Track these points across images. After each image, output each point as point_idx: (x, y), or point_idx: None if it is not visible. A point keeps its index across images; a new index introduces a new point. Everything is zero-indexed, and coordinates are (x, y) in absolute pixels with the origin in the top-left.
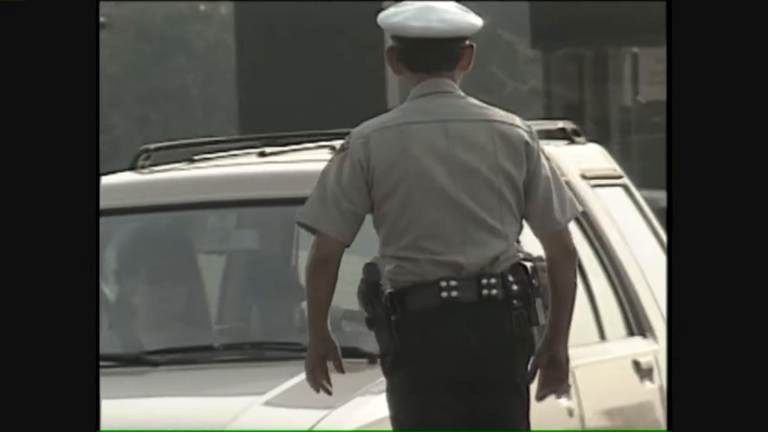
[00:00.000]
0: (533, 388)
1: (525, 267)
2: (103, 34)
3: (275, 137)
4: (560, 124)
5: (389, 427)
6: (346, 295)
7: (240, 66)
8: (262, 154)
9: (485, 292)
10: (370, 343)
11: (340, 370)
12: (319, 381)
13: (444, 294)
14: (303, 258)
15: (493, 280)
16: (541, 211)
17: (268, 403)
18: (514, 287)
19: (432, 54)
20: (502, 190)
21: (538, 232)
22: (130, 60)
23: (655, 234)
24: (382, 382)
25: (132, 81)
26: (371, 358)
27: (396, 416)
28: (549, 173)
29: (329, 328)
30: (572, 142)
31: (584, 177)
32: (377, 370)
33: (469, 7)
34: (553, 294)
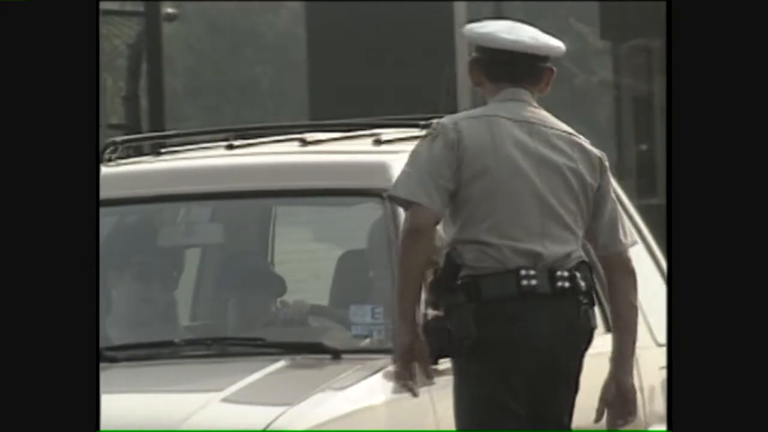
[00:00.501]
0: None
1: (590, 266)
2: (176, 26)
3: (242, 129)
4: None
5: (347, 424)
6: (314, 291)
7: (310, 57)
8: (231, 147)
9: (559, 284)
10: (333, 339)
11: (428, 373)
12: (407, 370)
13: (524, 282)
14: (280, 252)
15: (565, 274)
16: (607, 231)
17: (226, 400)
18: (582, 283)
19: (518, 67)
20: (579, 195)
21: (602, 251)
22: (204, 52)
23: (638, 230)
24: (344, 378)
25: (205, 73)
26: (335, 354)
27: (466, 400)
28: (614, 197)
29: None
30: None
31: None
32: (341, 365)
33: None
34: (615, 319)
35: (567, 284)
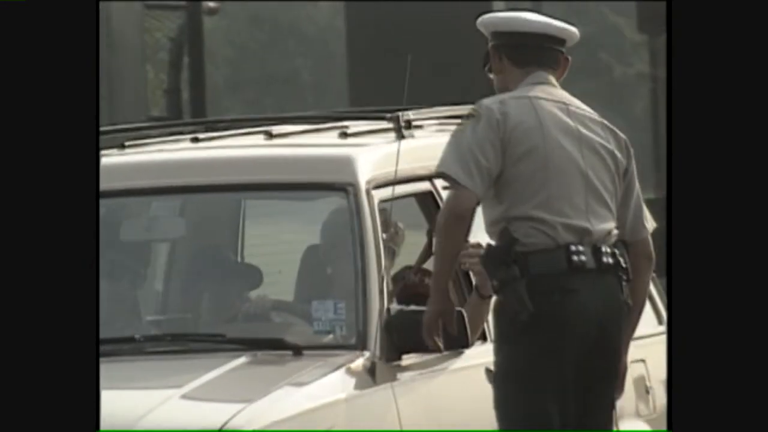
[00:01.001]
0: None
1: (625, 244)
2: (217, 20)
3: (208, 122)
4: None
5: (306, 421)
6: (281, 285)
7: (350, 50)
8: (196, 140)
9: (604, 260)
10: (295, 334)
11: (452, 329)
12: (432, 337)
13: (574, 258)
14: (250, 245)
15: (608, 250)
16: (633, 216)
17: (184, 397)
18: (621, 260)
19: (545, 51)
20: (614, 175)
21: (628, 235)
22: (244, 45)
23: None
24: (304, 374)
25: (246, 65)
26: (296, 350)
27: (520, 372)
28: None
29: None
30: None
31: None
32: (302, 362)
33: None
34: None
35: (611, 260)
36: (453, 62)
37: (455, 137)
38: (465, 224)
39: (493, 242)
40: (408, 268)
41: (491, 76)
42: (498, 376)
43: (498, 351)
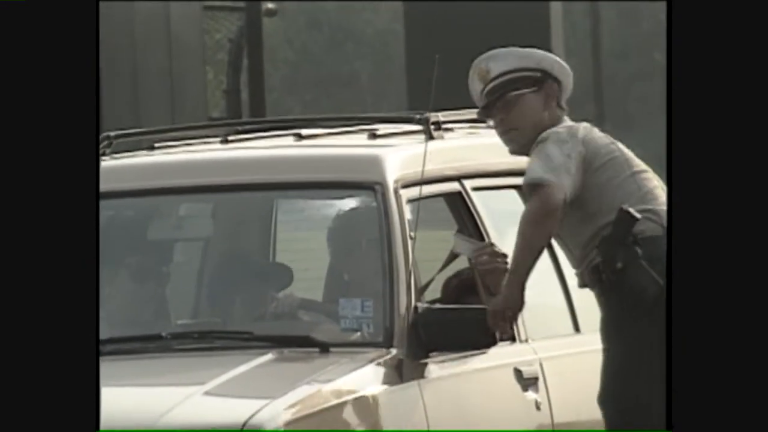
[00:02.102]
0: None
1: None
2: (276, 21)
3: (238, 124)
4: None
5: (330, 417)
6: (304, 282)
7: (408, 53)
8: (225, 141)
9: None
10: (322, 332)
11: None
12: (497, 324)
13: None
14: (282, 243)
15: None
16: None
17: (208, 393)
18: None
19: None
20: None
21: None
22: (304, 47)
23: None
24: (330, 371)
25: (305, 67)
26: (323, 348)
27: (655, 349)
28: None
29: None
30: None
31: None
32: (328, 359)
33: None
34: None
35: None
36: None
37: (540, 149)
38: (554, 220)
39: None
40: (466, 268)
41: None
42: (625, 358)
43: (619, 332)
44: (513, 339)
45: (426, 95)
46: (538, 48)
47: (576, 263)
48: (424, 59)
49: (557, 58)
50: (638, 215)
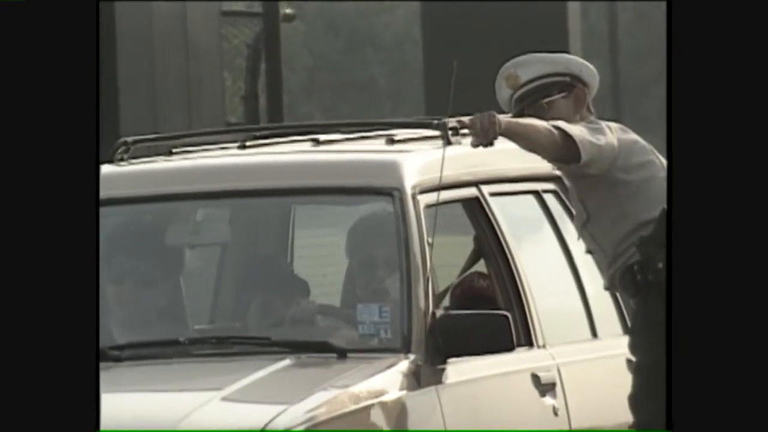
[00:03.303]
0: None
1: None
2: (295, 26)
3: (252, 129)
4: None
5: (348, 423)
6: (321, 287)
7: (426, 58)
8: (243, 147)
9: None
10: (340, 338)
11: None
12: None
13: None
14: (300, 249)
15: None
16: None
17: (226, 399)
18: None
19: None
20: None
21: None
22: (322, 52)
23: None
24: (348, 376)
25: (323, 72)
26: (341, 353)
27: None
28: None
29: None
30: None
31: None
32: (346, 364)
33: None
34: None
35: None
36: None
37: (593, 124)
38: (555, 148)
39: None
40: (476, 273)
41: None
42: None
43: (660, 331)
44: (530, 344)
45: (444, 99)
46: (559, 51)
47: (608, 262)
48: (441, 63)
49: (584, 61)
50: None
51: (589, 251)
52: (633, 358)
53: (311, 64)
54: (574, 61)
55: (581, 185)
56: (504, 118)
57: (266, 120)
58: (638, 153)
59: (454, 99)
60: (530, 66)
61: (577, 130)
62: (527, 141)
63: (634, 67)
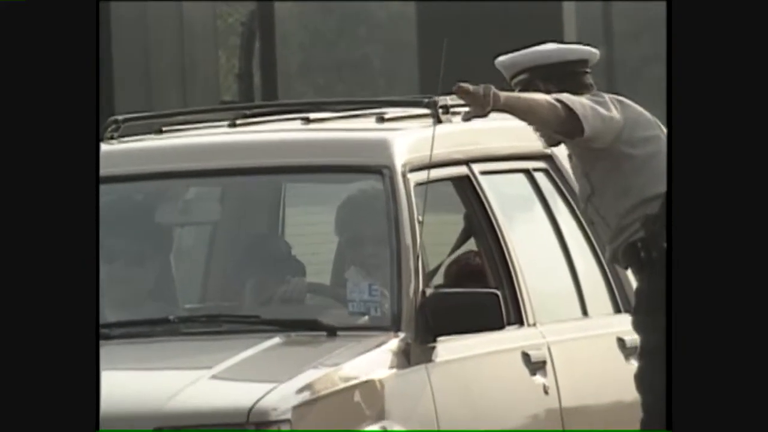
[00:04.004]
0: None
1: None
2: (288, 5)
3: (242, 108)
4: None
5: (338, 401)
6: (312, 266)
7: (420, 37)
8: (233, 125)
9: None
10: (330, 316)
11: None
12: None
13: None
14: (290, 227)
15: None
16: None
17: (215, 377)
18: None
19: (584, 74)
20: None
21: None
22: (316, 30)
23: None
24: (337, 355)
25: (318, 51)
26: (330, 332)
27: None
28: None
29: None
30: None
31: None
32: (336, 342)
33: None
34: None
35: None
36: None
37: (596, 96)
38: (558, 122)
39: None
40: (472, 251)
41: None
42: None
43: (660, 309)
44: (521, 323)
45: (437, 78)
46: (553, 31)
47: (611, 236)
48: (436, 41)
49: (578, 47)
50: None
51: (591, 224)
52: (637, 337)
53: (305, 43)
54: (571, 50)
55: (586, 159)
56: (503, 93)
57: (261, 98)
58: (644, 127)
59: (449, 78)
60: (508, 69)
61: (579, 104)
62: (529, 114)
63: (628, 47)
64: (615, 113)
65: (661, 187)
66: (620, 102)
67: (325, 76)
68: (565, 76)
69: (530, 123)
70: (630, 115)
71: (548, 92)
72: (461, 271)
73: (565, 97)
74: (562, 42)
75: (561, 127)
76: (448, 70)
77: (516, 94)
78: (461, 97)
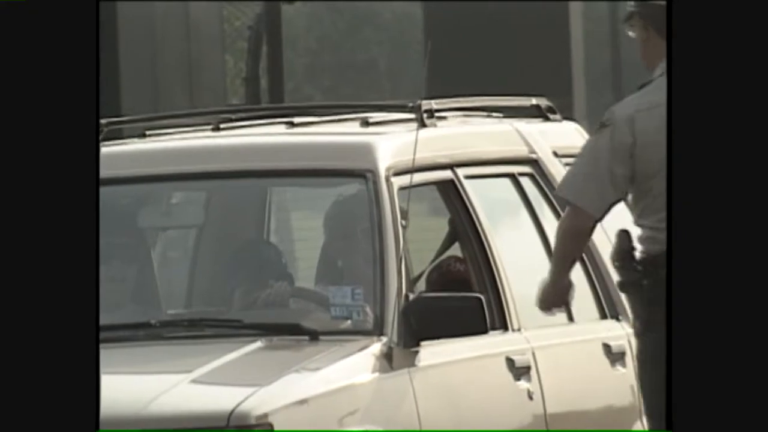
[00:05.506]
0: None
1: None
2: (297, 7)
3: (226, 111)
4: (534, 101)
5: (318, 405)
6: (295, 270)
7: (427, 38)
8: (217, 129)
9: None
10: (312, 320)
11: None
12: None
13: None
14: (274, 230)
15: None
16: None
17: (195, 381)
18: None
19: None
20: None
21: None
22: (323, 33)
23: None
24: (319, 359)
25: (325, 53)
26: (313, 335)
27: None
28: None
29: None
30: (546, 119)
31: (556, 155)
32: (318, 347)
33: None
34: None
35: None
36: (533, 49)
37: (581, 153)
38: (581, 241)
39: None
40: (453, 257)
41: (631, 33)
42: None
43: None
44: (505, 328)
45: (445, 80)
46: (560, 32)
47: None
48: (443, 43)
49: None
50: (632, 244)
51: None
52: (623, 343)
53: (312, 46)
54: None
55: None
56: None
57: (268, 101)
58: (648, 162)
59: (457, 78)
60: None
61: (570, 194)
62: (569, 258)
63: (635, 48)
64: (609, 166)
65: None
66: (634, 135)
67: (332, 79)
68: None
69: (578, 256)
70: (641, 150)
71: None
72: (442, 278)
73: (563, 194)
74: (568, 43)
75: (583, 232)
76: (458, 69)
77: (551, 273)
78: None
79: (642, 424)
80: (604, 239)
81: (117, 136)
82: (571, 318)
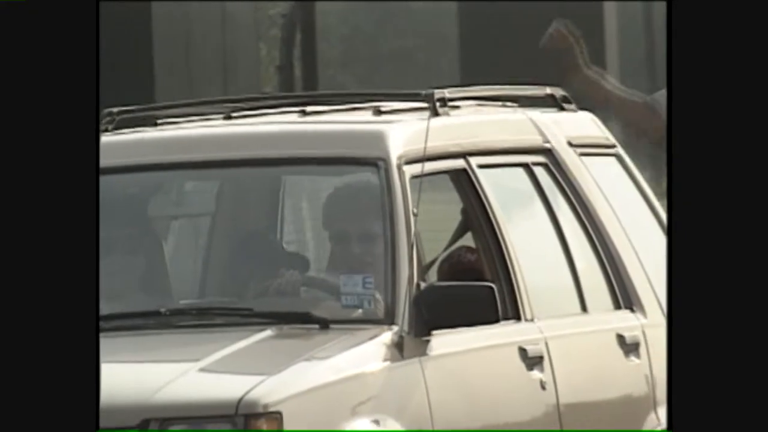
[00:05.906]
0: None
1: None
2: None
3: (237, 101)
4: (548, 90)
5: (328, 394)
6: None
7: (461, 29)
8: (228, 117)
9: None
10: (323, 309)
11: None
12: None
13: None
14: (288, 222)
15: None
16: None
17: (203, 369)
18: None
19: None
20: None
21: None
22: (357, 23)
23: (650, 207)
24: (329, 347)
25: (359, 43)
26: (323, 324)
27: None
28: None
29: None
30: (561, 109)
31: (571, 144)
32: (328, 335)
33: None
34: None
35: None
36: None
37: None
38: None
39: None
40: (464, 247)
41: None
42: None
43: None
44: (518, 318)
45: (479, 70)
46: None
47: None
48: (476, 34)
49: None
50: None
51: None
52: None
53: (346, 34)
54: None
55: None
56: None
57: (301, 89)
58: None
59: (491, 70)
60: None
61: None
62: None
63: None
64: None
65: None
66: None
67: (366, 68)
68: None
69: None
70: None
71: None
72: (453, 268)
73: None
74: (602, 40)
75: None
76: (493, 61)
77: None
78: None
79: (656, 415)
80: (618, 230)
81: (128, 124)
82: (584, 308)
